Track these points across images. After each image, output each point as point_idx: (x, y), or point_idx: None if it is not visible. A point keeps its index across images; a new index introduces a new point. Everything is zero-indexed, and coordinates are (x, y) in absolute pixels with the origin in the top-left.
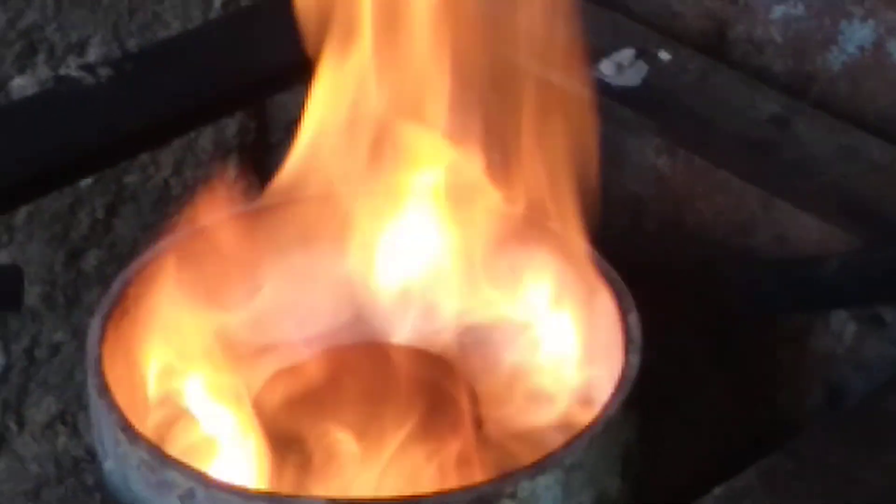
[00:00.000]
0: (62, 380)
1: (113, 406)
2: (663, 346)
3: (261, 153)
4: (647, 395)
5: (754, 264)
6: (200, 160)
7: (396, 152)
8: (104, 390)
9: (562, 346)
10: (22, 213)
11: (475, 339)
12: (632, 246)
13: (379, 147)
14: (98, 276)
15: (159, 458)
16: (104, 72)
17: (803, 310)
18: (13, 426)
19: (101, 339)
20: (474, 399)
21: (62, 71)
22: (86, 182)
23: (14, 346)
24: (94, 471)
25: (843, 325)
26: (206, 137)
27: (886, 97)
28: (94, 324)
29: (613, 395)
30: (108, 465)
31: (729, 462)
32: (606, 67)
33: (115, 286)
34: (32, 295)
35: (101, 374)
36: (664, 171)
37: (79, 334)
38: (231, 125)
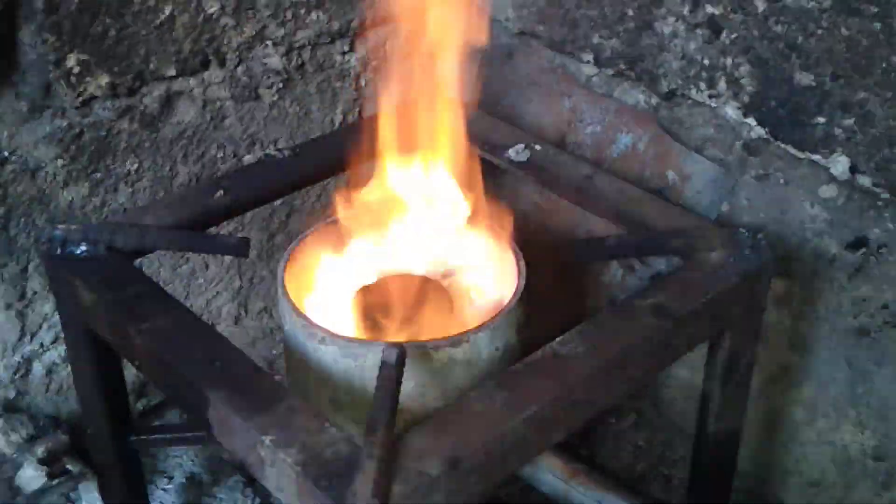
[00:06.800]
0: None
1: (288, 299)
2: (532, 279)
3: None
4: (526, 299)
5: (552, 239)
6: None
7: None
8: (285, 292)
9: (491, 276)
10: (248, 216)
11: (450, 274)
12: (523, 236)
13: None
14: (281, 247)
15: (309, 323)
16: None
17: (603, 259)
18: (242, 313)
19: (285, 268)
20: (450, 299)
21: None
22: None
23: (244, 276)
24: (280, 334)
25: (614, 270)
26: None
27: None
28: (281, 264)
29: (513, 297)
30: (287, 327)
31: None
32: (511, 152)
33: (290, 248)
34: (252, 253)
35: (283, 285)
36: (538, 200)
37: (272, 273)
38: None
